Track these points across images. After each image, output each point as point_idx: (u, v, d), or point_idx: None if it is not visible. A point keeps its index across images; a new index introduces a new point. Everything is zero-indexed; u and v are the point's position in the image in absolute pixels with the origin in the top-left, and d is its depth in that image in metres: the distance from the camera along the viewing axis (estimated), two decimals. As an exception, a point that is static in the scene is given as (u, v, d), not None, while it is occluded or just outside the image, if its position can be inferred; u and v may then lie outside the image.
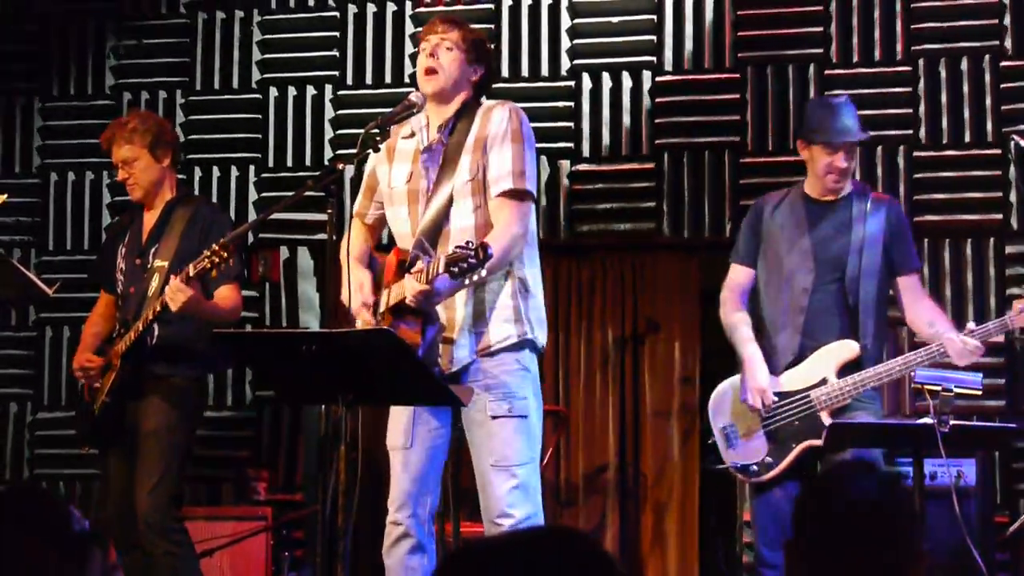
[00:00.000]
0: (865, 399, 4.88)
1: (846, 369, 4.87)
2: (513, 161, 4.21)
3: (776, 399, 4.91)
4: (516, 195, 4.21)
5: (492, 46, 4.43)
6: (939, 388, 4.41)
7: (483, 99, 4.40)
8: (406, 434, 4.27)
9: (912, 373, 4.71)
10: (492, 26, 6.57)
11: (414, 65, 6.57)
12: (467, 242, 3.86)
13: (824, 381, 4.87)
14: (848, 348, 4.89)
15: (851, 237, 4.93)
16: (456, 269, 3.81)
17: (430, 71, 4.28)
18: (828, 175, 4.94)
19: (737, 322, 5.06)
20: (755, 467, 4.93)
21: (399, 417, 4.31)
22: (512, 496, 4.14)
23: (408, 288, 4.03)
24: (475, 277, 3.86)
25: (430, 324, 4.19)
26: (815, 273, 4.93)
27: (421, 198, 4.28)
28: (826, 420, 4.80)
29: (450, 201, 4.24)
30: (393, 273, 4.24)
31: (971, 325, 4.82)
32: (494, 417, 4.17)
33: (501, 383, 4.19)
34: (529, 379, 4.25)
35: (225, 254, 4.64)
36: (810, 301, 4.93)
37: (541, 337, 4.31)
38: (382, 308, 4.22)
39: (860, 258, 4.92)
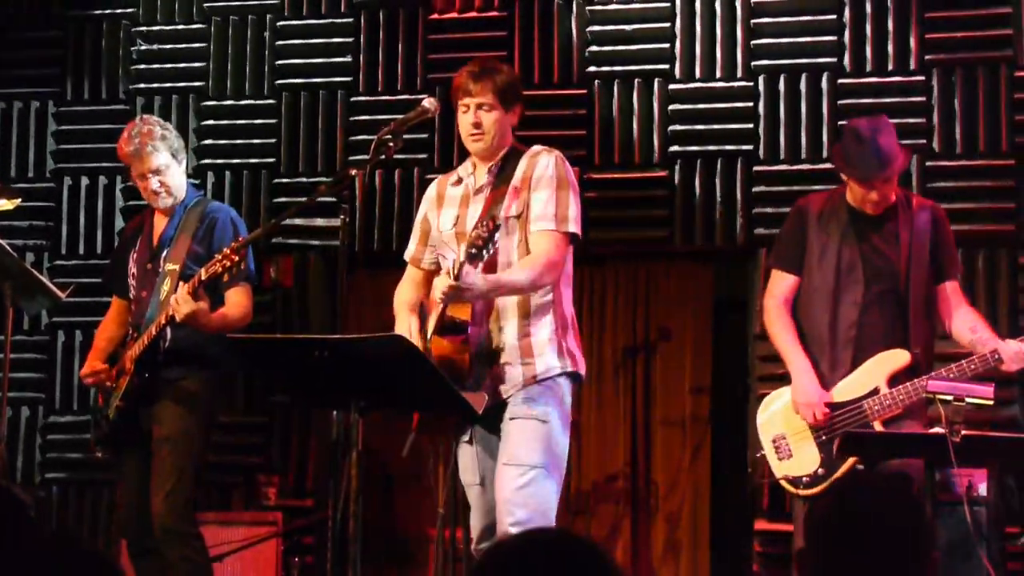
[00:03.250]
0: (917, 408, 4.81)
1: (897, 378, 4.82)
2: (558, 206, 4.28)
3: (828, 410, 4.83)
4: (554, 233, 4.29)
5: (518, 79, 4.48)
6: (951, 398, 4.39)
7: (530, 145, 4.45)
8: (474, 471, 4.34)
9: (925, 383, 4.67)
10: (505, 33, 6.57)
11: (427, 72, 6.64)
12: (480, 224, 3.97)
13: (876, 391, 4.80)
14: (900, 357, 4.82)
15: (899, 247, 4.87)
16: (474, 250, 3.91)
17: (475, 135, 4.36)
18: (865, 202, 4.91)
19: (784, 332, 4.98)
20: (807, 479, 4.85)
21: (466, 454, 4.37)
22: (517, 495, 4.13)
23: (436, 288, 4.05)
24: (492, 248, 3.95)
25: (473, 342, 4.21)
26: (864, 285, 4.87)
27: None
28: (879, 430, 4.75)
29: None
30: None
31: None
32: (512, 418, 4.22)
33: (528, 391, 4.23)
34: (556, 394, 4.27)
35: (236, 258, 4.63)
36: (861, 314, 4.85)
37: (583, 368, 4.39)
38: (430, 333, 4.23)
39: (909, 267, 4.86)
